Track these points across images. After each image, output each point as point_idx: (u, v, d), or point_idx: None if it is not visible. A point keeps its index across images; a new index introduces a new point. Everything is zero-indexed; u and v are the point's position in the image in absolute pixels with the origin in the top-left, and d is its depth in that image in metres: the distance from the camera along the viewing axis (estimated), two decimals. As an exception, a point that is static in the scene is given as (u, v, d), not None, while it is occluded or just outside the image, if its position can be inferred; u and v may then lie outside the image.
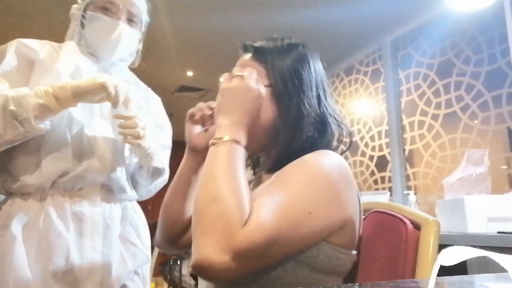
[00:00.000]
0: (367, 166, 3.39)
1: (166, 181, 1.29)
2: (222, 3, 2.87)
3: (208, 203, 0.56)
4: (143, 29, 1.26)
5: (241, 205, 0.55)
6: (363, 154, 3.42)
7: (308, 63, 0.80)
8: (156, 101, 1.35)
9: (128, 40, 1.18)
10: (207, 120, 0.88)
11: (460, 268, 0.46)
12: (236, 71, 0.75)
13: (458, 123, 2.64)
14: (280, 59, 0.79)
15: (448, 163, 2.67)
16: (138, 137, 1.08)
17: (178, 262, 3.96)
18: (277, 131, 0.77)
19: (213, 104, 0.86)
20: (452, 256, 0.33)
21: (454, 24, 2.73)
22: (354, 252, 0.71)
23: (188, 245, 0.90)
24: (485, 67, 2.53)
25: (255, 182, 0.84)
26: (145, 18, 1.25)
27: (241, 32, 3.15)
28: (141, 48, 1.28)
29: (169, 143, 1.33)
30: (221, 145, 0.65)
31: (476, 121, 2.55)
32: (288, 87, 0.77)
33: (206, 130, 0.88)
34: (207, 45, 3.53)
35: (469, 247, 0.34)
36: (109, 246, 1.10)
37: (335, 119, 0.80)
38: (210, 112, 0.87)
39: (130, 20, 1.19)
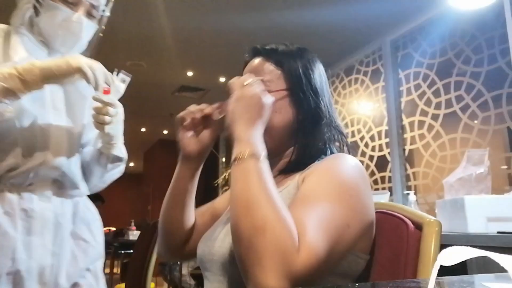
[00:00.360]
0: (367, 166, 3.39)
1: (122, 172, 1.25)
2: (222, 3, 2.87)
3: (257, 232, 0.55)
4: (99, 16, 1.18)
5: (290, 229, 0.55)
6: (363, 154, 3.42)
7: (318, 68, 0.82)
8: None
9: (86, 34, 1.13)
10: (198, 124, 0.83)
11: (460, 268, 0.46)
12: (247, 77, 0.73)
13: (458, 123, 2.64)
14: (294, 63, 0.79)
15: (448, 163, 2.67)
16: (105, 122, 1.03)
17: (178, 262, 3.96)
18: (293, 134, 0.77)
19: (206, 108, 0.82)
20: (452, 256, 0.33)
21: (454, 24, 2.73)
22: (368, 256, 0.71)
23: (193, 254, 0.87)
24: (485, 67, 2.53)
25: None
26: (103, 10, 1.18)
27: (241, 32, 3.14)
28: (96, 41, 1.21)
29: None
30: (247, 163, 0.62)
31: (476, 121, 2.55)
32: (305, 90, 0.78)
33: (197, 135, 0.83)
34: (207, 45, 3.53)
35: (469, 247, 0.33)
36: (59, 244, 1.05)
37: (336, 122, 0.82)
38: (201, 115, 0.82)
39: (89, 13, 1.13)
